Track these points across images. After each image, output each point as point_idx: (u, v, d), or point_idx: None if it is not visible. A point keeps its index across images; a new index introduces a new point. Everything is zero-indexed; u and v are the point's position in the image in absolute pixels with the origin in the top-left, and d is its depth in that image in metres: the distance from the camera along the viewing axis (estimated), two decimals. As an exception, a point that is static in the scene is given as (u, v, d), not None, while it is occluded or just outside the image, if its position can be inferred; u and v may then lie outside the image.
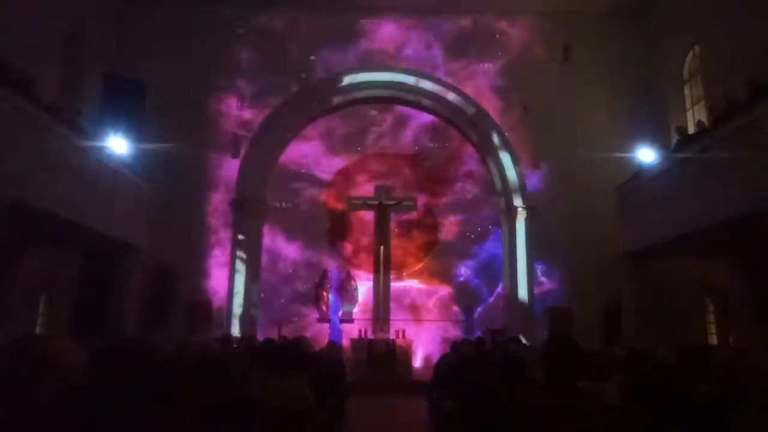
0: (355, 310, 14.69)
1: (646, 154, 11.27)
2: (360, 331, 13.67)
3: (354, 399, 8.76)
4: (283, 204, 15.03)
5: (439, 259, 15.13)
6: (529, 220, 14.30)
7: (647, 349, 5.99)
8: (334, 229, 15.32)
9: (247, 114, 14.65)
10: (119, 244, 10.54)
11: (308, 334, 9.25)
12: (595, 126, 14.20)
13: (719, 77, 11.21)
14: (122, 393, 2.22)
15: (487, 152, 14.92)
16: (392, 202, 14.65)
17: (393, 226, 15.04)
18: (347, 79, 14.84)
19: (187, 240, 13.57)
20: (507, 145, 14.61)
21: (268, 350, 4.36)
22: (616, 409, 2.84)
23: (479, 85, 14.90)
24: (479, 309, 14.74)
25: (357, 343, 13.02)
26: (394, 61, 14.99)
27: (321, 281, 14.76)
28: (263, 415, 3.06)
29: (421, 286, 15.02)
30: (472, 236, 15.30)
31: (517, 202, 14.38)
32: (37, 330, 11.61)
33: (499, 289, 14.73)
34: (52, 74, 11.53)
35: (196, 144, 13.90)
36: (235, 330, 12.92)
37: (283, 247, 14.85)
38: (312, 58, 14.78)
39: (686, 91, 13.93)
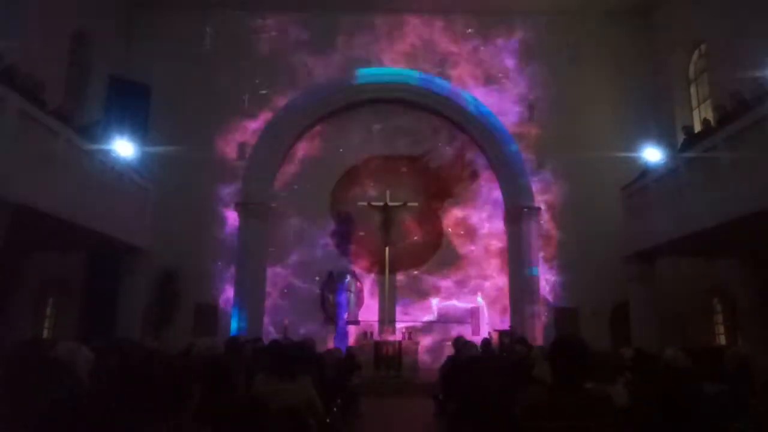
0: (361, 311, 14.65)
1: (653, 154, 11.22)
2: (366, 332, 13.65)
3: (360, 400, 8.76)
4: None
5: (442, 259, 15.03)
6: (535, 221, 14.25)
7: (655, 350, 5.97)
8: (340, 231, 15.28)
9: (253, 116, 14.68)
10: (125, 247, 10.58)
11: (314, 337, 9.23)
12: (600, 125, 14.18)
13: (726, 76, 11.14)
14: (127, 395, 2.23)
15: (492, 153, 14.89)
16: (397, 204, 14.63)
17: (398, 227, 14.96)
18: (351, 81, 14.86)
19: (193, 242, 13.59)
20: (512, 146, 14.57)
21: (273, 352, 4.36)
22: (624, 410, 2.82)
23: (484, 85, 14.88)
24: (485, 309, 14.65)
25: (363, 344, 12.99)
26: (397, 61, 14.98)
27: (326, 283, 14.74)
28: (269, 416, 3.06)
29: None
30: (477, 237, 15.22)
31: (523, 202, 14.33)
32: (45, 333, 11.67)
33: (506, 289, 14.66)
34: (59, 78, 11.61)
35: (201, 146, 13.95)
36: (241, 332, 12.92)
37: (288, 249, 14.82)
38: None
39: (692, 90, 13.86)
